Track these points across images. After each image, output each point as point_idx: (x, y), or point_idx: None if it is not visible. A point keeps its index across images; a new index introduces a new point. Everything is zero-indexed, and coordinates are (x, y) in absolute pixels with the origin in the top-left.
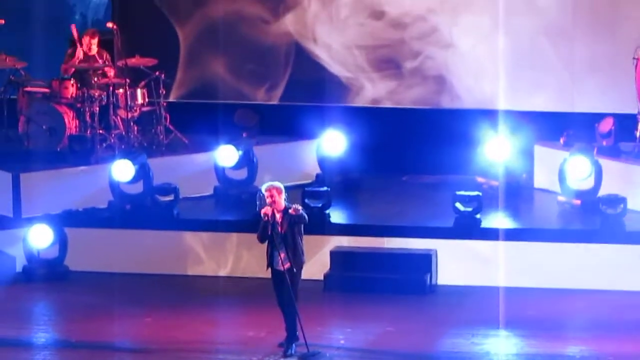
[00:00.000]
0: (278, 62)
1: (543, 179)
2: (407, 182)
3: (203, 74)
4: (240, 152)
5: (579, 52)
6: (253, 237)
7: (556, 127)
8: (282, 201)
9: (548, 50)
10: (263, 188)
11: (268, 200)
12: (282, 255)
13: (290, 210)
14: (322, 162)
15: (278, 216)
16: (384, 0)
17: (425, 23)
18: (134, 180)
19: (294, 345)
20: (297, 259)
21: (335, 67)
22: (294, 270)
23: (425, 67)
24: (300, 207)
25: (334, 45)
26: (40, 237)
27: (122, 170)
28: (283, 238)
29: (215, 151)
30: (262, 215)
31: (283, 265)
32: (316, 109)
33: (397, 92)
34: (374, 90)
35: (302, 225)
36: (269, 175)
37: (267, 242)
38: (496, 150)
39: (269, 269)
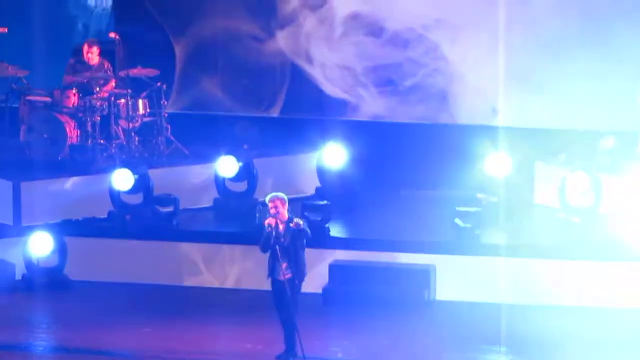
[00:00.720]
0: (274, 80)
1: (543, 195)
2: (406, 197)
3: (201, 87)
4: (241, 164)
5: (581, 68)
6: (252, 249)
7: (557, 143)
8: (285, 212)
9: (549, 66)
10: (267, 199)
11: (272, 210)
12: (284, 265)
13: (291, 224)
14: (321, 175)
15: (281, 227)
16: (381, 17)
17: (424, 39)
18: (134, 190)
19: (291, 358)
20: (299, 270)
21: (330, 88)
22: (295, 281)
23: (424, 83)
24: (302, 222)
25: (329, 64)
26: (40, 245)
27: (122, 179)
28: (285, 249)
29: (215, 162)
30: (265, 225)
31: (284, 276)
32: (316, 122)
33: (396, 108)
34: (373, 106)
35: (305, 239)
36: (269, 188)
37: (269, 252)
38: (496, 166)
39: (269, 279)
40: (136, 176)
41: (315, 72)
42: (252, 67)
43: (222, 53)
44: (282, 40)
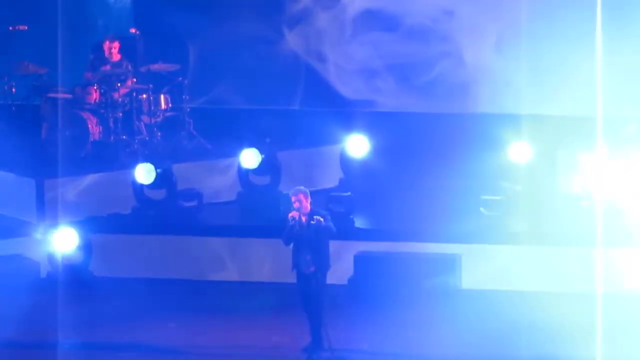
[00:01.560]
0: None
1: (567, 183)
2: (430, 187)
3: (221, 83)
4: (263, 156)
5: (604, 56)
6: (277, 242)
7: (581, 131)
8: (308, 205)
9: (572, 53)
10: (290, 192)
11: (295, 204)
12: (308, 258)
13: (312, 221)
14: (345, 166)
15: (304, 220)
16: (396, 11)
17: (443, 28)
18: (157, 185)
19: (318, 350)
20: (322, 263)
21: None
22: (320, 274)
23: (445, 73)
24: (322, 219)
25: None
26: (65, 240)
27: (145, 173)
28: (309, 242)
29: (238, 156)
30: (289, 218)
31: (308, 268)
32: (338, 114)
33: (419, 98)
34: (395, 99)
35: (329, 234)
36: (293, 181)
37: (292, 244)
38: (518, 154)
39: (294, 272)
40: (158, 170)
41: (330, 73)
42: (269, 63)
43: (240, 47)
44: (294, 39)
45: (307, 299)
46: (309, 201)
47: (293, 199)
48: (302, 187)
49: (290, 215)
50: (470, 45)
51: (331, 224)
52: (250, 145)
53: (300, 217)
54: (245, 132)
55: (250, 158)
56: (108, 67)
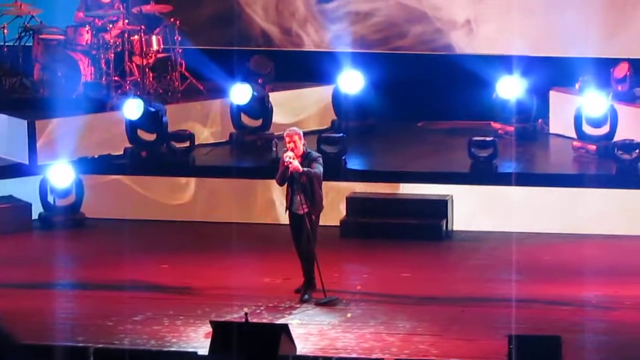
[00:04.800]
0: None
1: (558, 124)
2: (423, 128)
3: (215, 22)
4: (255, 93)
5: None
6: (269, 183)
7: (571, 72)
8: (301, 146)
9: None
10: (284, 134)
11: (289, 145)
12: (301, 198)
13: (290, 166)
14: (338, 107)
15: (298, 161)
16: None
17: None
18: (149, 125)
19: (310, 291)
20: (314, 204)
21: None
22: (312, 215)
23: (437, 13)
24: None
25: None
26: (61, 177)
27: (133, 108)
28: (301, 183)
29: (229, 96)
30: (283, 158)
31: (302, 209)
32: (333, 54)
33: (413, 39)
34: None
35: (321, 173)
36: (284, 121)
37: (286, 185)
38: (508, 89)
39: (288, 213)
40: (151, 109)
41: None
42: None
43: None
44: None
45: (300, 240)
46: (302, 142)
47: (287, 140)
48: (295, 128)
49: (284, 155)
50: None
51: (318, 170)
52: (243, 81)
53: (293, 158)
54: (238, 73)
55: (241, 93)
56: (100, 9)
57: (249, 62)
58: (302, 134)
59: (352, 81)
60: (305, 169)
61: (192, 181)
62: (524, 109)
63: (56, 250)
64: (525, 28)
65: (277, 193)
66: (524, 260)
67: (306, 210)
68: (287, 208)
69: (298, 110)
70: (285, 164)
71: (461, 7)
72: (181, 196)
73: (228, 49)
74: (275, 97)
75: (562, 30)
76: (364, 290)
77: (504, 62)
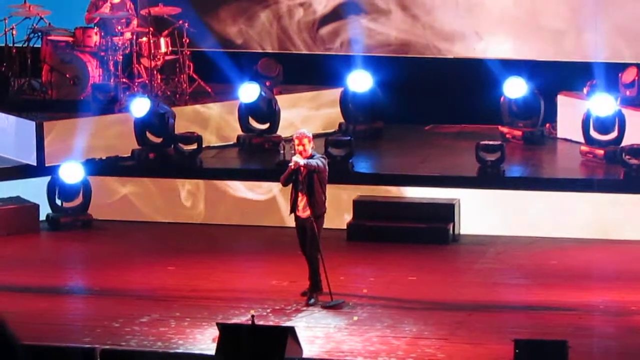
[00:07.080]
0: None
1: (566, 128)
2: (430, 132)
3: (223, 26)
4: (263, 94)
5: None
6: (276, 185)
7: (580, 76)
8: (310, 149)
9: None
10: (294, 136)
11: (299, 148)
12: (305, 201)
13: (291, 164)
14: (345, 110)
15: (303, 164)
16: None
17: None
18: (157, 128)
19: (316, 294)
20: (316, 207)
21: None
22: (316, 218)
23: (446, 18)
24: (303, 162)
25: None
26: (70, 175)
27: (140, 107)
28: (306, 186)
29: (238, 98)
30: (292, 161)
31: (305, 212)
32: (341, 57)
33: (419, 42)
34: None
35: (325, 175)
36: (292, 125)
37: (291, 187)
38: (515, 90)
39: (292, 216)
40: (161, 111)
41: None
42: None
43: None
44: None
45: (305, 243)
46: (311, 145)
47: (297, 142)
48: (305, 131)
49: (293, 157)
50: None
51: (318, 163)
52: (251, 81)
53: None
54: (246, 76)
55: (249, 92)
56: (109, 11)
57: (257, 64)
58: (311, 136)
59: (361, 81)
60: (305, 161)
61: (200, 183)
62: (532, 113)
63: (63, 252)
64: (533, 32)
65: (284, 195)
66: (531, 265)
67: (309, 213)
68: (291, 210)
69: (306, 113)
70: (293, 167)
71: (468, 17)
72: (188, 198)
73: (236, 51)
74: (282, 100)
75: (569, 35)
76: (370, 293)
77: (512, 66)
